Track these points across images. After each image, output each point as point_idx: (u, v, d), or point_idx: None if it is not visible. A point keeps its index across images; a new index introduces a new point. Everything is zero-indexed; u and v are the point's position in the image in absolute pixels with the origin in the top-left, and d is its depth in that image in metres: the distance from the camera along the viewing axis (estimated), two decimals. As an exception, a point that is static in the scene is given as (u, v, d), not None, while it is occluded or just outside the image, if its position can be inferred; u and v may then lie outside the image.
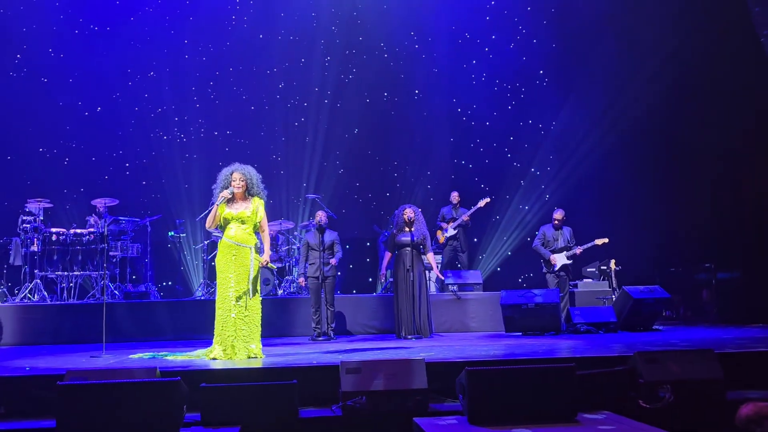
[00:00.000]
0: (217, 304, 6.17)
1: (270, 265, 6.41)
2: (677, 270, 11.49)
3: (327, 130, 12.47)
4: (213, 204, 6.21)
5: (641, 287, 8.70)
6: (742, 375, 5.07)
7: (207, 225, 6.31)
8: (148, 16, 12.39)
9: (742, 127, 10.10)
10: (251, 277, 6.09)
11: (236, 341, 6.04)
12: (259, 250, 6.33)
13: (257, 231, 6.32)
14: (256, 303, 6.19)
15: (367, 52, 12.85)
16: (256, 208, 6.21)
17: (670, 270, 11.54)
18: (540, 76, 12.79)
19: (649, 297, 8.54)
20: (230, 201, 6.20)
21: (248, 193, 6.23)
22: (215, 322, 6.15)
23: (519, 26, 12.78)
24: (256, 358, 6.05)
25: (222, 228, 6.25)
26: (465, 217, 10.49)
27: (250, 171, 6.27)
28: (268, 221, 10.54)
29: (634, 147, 11.85)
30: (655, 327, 8.75)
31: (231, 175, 6.21)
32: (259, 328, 6.22)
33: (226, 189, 6.17)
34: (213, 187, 6.31)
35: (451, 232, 10.40)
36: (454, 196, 10.81)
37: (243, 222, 6.16)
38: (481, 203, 10.52)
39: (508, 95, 12.92)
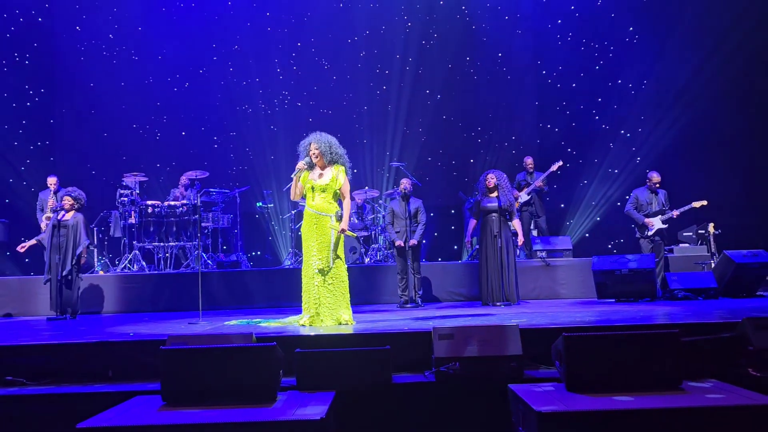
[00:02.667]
0: (303, 273, 6.26)
1: (349, 232, 6.36)
2: (781, 233, 10.87)
3: (409, 97, 12.40)
4: (292, 176, 6.28)
5: (744, 251, 8.25)
6: None
7: (291, 197, 6.39)
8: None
9: None
10: (332, 245, 6.13)
11: (320, 308, 6.09)
12: (342, 218, 6.34)
13: (340, 199, 6.33)
14: (340, 271, 6.19)
15: (449, 15, 12.65)
16: (335, 175, 6.20)
17: (773, 234, 10.94)
18: (630, 33, 12.23)
19: (753, 261, 8.10)
20: (313, 170, 6.25)
21: (328, 161, 6.24)
22: (303, 290, 6.24)
23: (608, -20, 12.24)
24: (347, 325, 6.09)
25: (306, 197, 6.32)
26: (539, 183, 10.24)
27: (325, 139, 6.24)
28: (353, 190, 10.69)
29: (731, 105, 11.24)
30: (759, 293, 8.31)
31: (309, 145, 6.24)
32: (347, 296, 6.22)
33: (308, 159, 6.23)
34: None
35: (524, 197, 10.18)
36: (528, 162, 10.57)
37: (323, 190, 6.18)
38: (554, 167, 10.25)
39: (595, 55, 12.44)
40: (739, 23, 10.70)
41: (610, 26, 12.20)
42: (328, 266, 6.11)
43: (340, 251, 6.24)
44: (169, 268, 10.03)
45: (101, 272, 9.81)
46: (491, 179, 8.36)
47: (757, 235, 10.58)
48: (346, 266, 6.29)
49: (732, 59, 10.88)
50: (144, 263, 9.88)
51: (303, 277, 6.24)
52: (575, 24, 12.41)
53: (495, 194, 8.33)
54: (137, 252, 9.90)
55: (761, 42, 10.44)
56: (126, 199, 10.03)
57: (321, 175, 6.23)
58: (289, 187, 6.46)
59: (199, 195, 9.25)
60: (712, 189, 10.00)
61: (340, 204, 6.36)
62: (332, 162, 6.24)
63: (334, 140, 6.29)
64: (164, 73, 12.53)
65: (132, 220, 9.92)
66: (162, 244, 9.96)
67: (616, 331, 4.40)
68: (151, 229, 9.96)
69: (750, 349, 4.43)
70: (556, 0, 12.49)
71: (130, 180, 10.25)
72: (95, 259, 10.02)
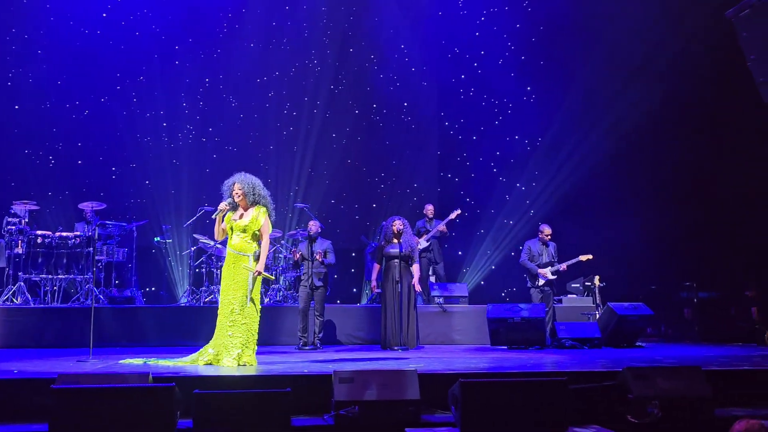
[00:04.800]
0: (219, 311, 6.27)
1: (265, 275, 6.42)
2: (659, 288, 11.63)
3: (316, 139, 12.53)
4: (213, 217, 6.31)
5: (626, 304, 8.81)
6: (727, 392, 5.15)
7: (216, 236, 6.49)
8: (139, 20, 12.38)
9: (730, 150, 10.35)
10: (249, 285, 6.13)
11: (230, 348, 6.07)
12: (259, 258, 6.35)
13: (260, 240, 6.36)
14: (253, 312, 6.22)
15: (358, 62, 12.95)
16: (256, 216, 6.27)
17: (652, 288, 11.69)
18: (527, 93, 12.92)
19: (633, 314, 8.64)
20: (236, 210, 6.29)
21: (251, 201, 6.28)
22: (216, 327, 6.21)
23: (508, 43, 12.90)
24: (246, 365, 6.06)
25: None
26: (441, 227, 10.55)
27: (249, 180, 6.32)
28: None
29: (618, 166, 12.03)
30: (638, 344, 8.85)
31: (233, 185, 6.30)
32: (255, 337, 6.25)
33: (231, 199, 6.28)
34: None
35: (423, 244, 10.45)
36: (428, 210, 10.88)
37: (243, 230, 6.24)
38: (453, 215, 10.62)
39: (495, 110, 13.03)
40: (627, 91, 11.54)
41: (509, 85, 12.82)
42: (242, 306, 6.10)
43: (256, 292, 6.25)
44: (57, 301, 9.56)
45: (-21, 304, 9.23)
46: (398, 225, 8.56)
47: (637, 288, 11.28)
48: (260, 307, 6.30)
49: (619, 125, 11.68)
50: (29, 296, 9.39)
51: (219, 315, 6.23)
52: (478, 80, 12.98)
53: (398, 240, 8.53)
54: (22, 284, 9.39)
55: (648, 108, 11.31)
56: (14, 227, 9.54)
57: (242, 215, 6.28)
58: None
59: (96, 227, 8.93)
60: (598, 243, 10.60)
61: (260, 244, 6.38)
62: (255, 203, 6.29)
63: (257, 182, 6.38)
64: (63, 98, 12.07)
65: (19, 250, 9.42)
66: (50, 276, 9.50)
67: (509, 378, 4.61)
68: (40, 260, 9.49)
69: (630, 397, 4.74)
70: (460, 56, 13.06)
71: (19, 208, 9.76)
72: (-27, 290, 9.44)
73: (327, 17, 12.75)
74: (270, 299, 10.17)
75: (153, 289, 11.77)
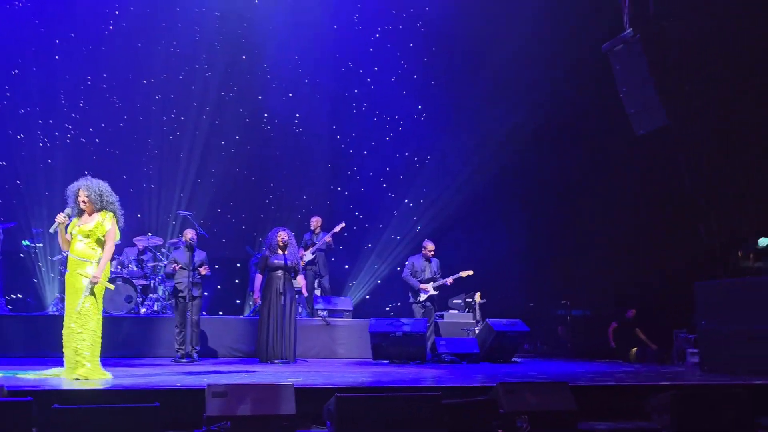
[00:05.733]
0: (64, 321, 5.96)
1: (106, 284, 6.08)
2: (537, 305, 12.10)
3: (203, 146, 12.21)
4: (50, 231, 6.05)
5: (503, 320, 9.06)
6: (592, 406, 5.38)
7: (62, 247, 6.17)
8: (16, 11, 11.67)
9: (608, 173, 10.95)
10: (86, 292, 5.85)
11: (76, 357, 5.82)
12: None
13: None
14: (92, 320, 5.90)
15: (250, 70, 12.75)
16: (101, 221, 6.00)
17: (530, 305, 12.15)
18: (418, 111, 13.16)
19: (510, 330, 8.91)
20: (81, 215, 6.03)
21: (98, 208, 6.01)
22: (63, 338, 5.93)
23: (401, 61, 13.11)
24: (85, 379, 5.73)
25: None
26: (327, 238, 10.54)
27: (95, 186, 6.03)
28: (135, 236, 10.20)
29: (501, 186, 12.47)
30: (514, 359, 9.14)
31: (77, 191, 6.01)
32: (93, 348, 5.90)
33: (75, 205, 6.03)
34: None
35: (309, 256, 10.40)
36: (314, 222, 10.84)
37: (87, 236, 5.96)
38: (337, 228, 10.66)
39: (386, 126, 13.19)
40: (510, 116, 11.99)
41: (401, 102, 13.02)
42: (79, 314, 5.81)
43: (99, 299, 5.94)
44: None
45: None
46: (283, 236, 8.47)
47: (516, 305, 11.69)
48: (100, 316, 5.98)
49: (502, 148, 12.11)
50: None
51: (64, 326, 5.94)
52: (370, 95, 13.11)
53: (283, 251, 8.43)
54: None
55: (529, 132, 11.81)
56: None
57: (87, 221, 6.00)
58: (56, 230, 6.08)
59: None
60: (481, 260, 10.91)
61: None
62: (102, 209, 6.01)
63: (105, 187, 6.09)
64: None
65: None
66: None
67: (385, 393, 4.62)
68: None
69: (501, 411, 4.86)
70: (354, 71, 13.13)
71: None
72: None
73: (219, 21, 12.46)
74: (147, 309, 9.78)
75: (20, 296, 11.06)
